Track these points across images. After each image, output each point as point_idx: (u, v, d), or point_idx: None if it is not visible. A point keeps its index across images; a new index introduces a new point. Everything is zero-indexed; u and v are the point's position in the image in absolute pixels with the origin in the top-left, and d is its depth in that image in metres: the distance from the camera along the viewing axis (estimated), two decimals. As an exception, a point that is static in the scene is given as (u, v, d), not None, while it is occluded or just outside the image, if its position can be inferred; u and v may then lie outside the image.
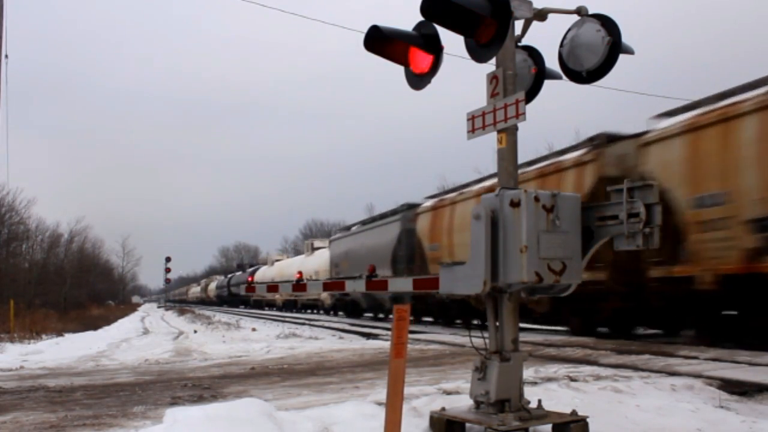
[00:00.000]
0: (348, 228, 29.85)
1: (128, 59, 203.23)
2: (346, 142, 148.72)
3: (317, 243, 39.45)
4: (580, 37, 4.52)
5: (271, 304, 47.73)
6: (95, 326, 26.39)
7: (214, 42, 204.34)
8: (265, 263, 55.69)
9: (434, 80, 4.48)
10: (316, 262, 34.33)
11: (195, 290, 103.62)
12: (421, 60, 4.47)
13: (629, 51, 4.48)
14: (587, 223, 4.13)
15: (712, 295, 9.56)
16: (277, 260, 47.10)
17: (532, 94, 4.81)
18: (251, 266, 64.28)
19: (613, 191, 4.11)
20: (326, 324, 21.77)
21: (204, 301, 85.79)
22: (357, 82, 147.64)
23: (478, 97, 4.53)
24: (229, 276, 71.81)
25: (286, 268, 41.66)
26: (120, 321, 33.57)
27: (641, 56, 5.11)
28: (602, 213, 4.11)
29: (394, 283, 6.47)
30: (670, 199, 9.80)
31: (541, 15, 4.54)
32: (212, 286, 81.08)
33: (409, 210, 20.54)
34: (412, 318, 6.46)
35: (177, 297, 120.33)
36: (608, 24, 4.43)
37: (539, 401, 4.29)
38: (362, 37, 4.36)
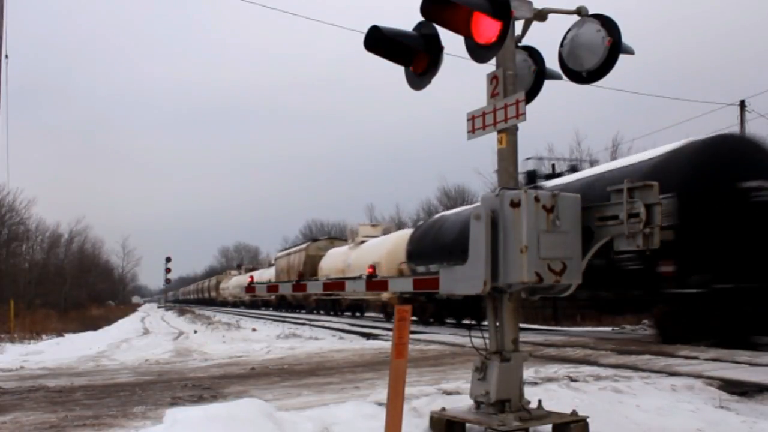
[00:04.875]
0: None
1: (129, 61, 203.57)
2: (346, 143, 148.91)
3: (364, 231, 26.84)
4: (580, 37, 4.52)
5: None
6: (95, 326, 26.38)
7: (215, 44, 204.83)
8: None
9: (434, 80, 4.49)
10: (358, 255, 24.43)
11: (240, 281, 54.07)
12: (421, 60, 4.48)
13: (629, 51, 4.48)
14: (587, 223, 4.13)
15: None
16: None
17: (532, 94, 4.81)
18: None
19: (614, 191, 4.11)
20: (326, 324, 21.75)
21: (284, 303, 38.66)
22: (357, 83, 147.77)
23: (478, 97, 4.53)
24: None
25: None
26: (120, 321, 33.55)
27: (641, 57, 5.10)
28: (602, 213, 4.11)
29: (394, 283, 6.47)
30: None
31: (541, 15, 4.54)
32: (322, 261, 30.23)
33: None
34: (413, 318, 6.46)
35: (192, 296, 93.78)
36: (608, 24, 4.43)
37: (539, 401, 4.29)
38: (362, 37, 4.37)
